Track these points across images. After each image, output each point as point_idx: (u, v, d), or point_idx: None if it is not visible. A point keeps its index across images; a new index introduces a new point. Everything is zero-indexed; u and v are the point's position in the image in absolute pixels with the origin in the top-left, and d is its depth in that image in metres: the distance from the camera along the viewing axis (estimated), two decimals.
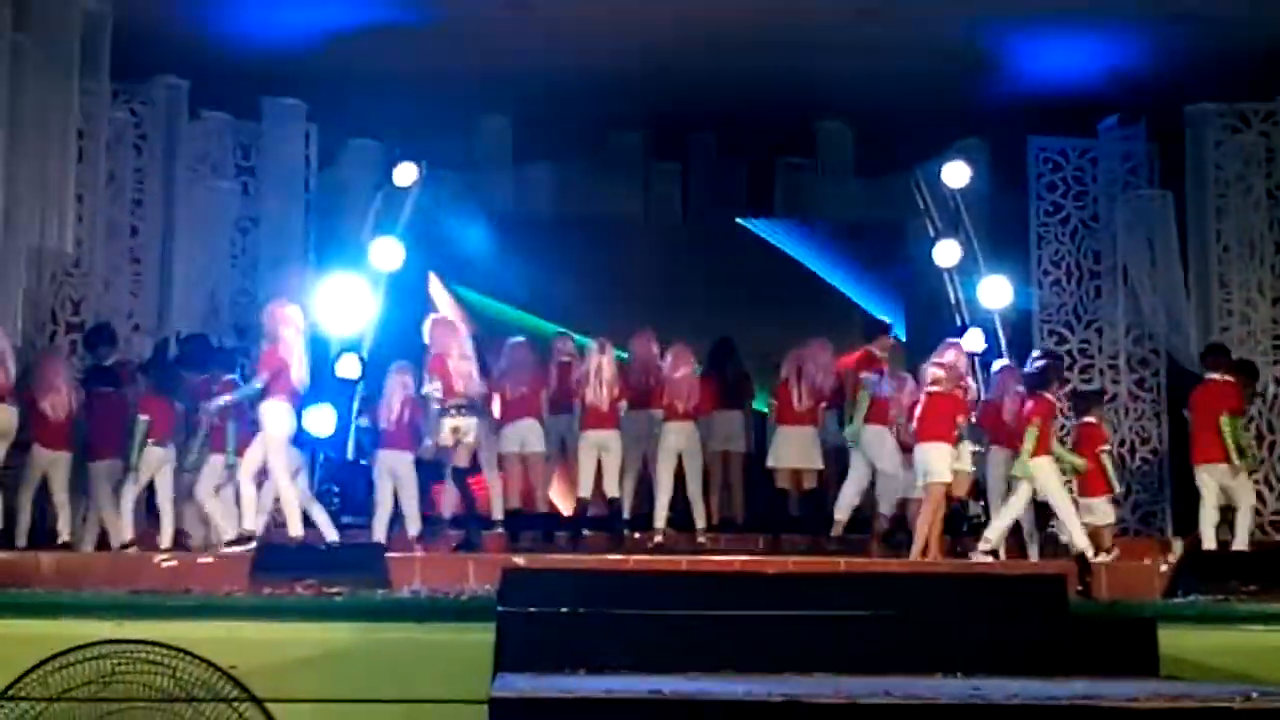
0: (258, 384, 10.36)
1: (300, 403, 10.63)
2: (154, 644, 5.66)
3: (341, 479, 12.95)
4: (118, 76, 11.60)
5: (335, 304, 13.03)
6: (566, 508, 12.39)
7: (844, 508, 11.39)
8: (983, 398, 12.04)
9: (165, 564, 9.20)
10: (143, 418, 10.62)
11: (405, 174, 13.65)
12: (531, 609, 6.62)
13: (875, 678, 5.86)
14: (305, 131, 13.45)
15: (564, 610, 6.62)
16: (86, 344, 11.57)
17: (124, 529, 10.55)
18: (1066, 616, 7.15)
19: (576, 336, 12.47)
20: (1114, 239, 13.49)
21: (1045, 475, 10.68)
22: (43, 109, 10.54)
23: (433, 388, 10.97)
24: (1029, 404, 10.91)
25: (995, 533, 10.71)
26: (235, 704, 5.66)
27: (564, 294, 14.32)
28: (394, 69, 12.89)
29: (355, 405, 12.18)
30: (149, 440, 10.61)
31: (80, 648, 5.70)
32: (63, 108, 10.67)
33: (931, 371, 11.06)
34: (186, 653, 5.59)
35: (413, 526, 11.23)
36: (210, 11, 12.04)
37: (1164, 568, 9.58)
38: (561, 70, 12.96)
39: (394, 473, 11.23)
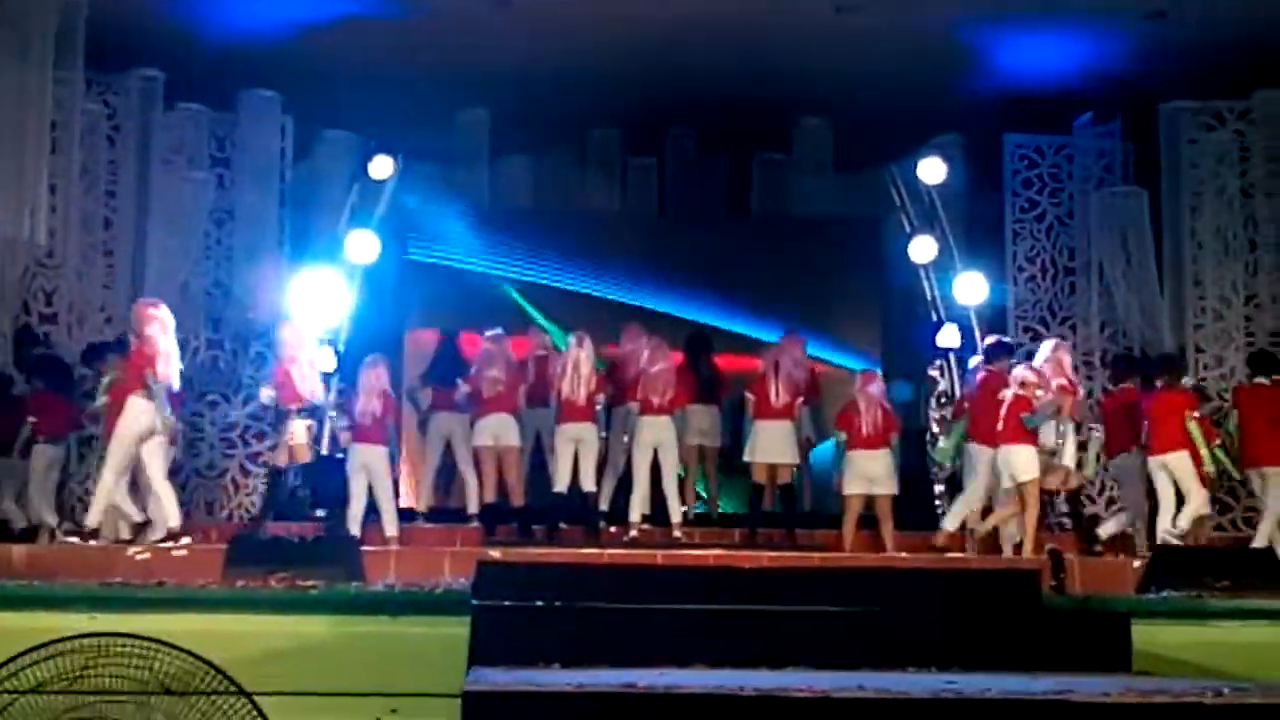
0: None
1: (172, 399, 10.57)
2: (136, 636, 5.63)
3: (315, 471, 12.90)
4: (92, 68, 11.57)
5: (310, 297, 13.00)
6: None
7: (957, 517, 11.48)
8: (959, 393, 12.12)
9: (138, 556, 9.16)
10: (31, 418, 10.87)
11: (381, 167, 13.59)
12: (506, 602, 6.61)
13: (850, 672, 5.87)
14: (281, 124, 13.37)
15: (539, 604, 6.62)
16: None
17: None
18: (1040, 611, 7.18)
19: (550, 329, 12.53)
20: (1089, 236, 13.53)
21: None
22: (16, 100, 10.52)
23: (269, 394, 10.91)
24: (1167, 399, 11.19)
25: (1187, 519, 10.94)
26: (221, 697, 5.64)
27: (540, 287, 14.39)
28: (371, 62, 12.87)
29: (331, 397, 12.11)
30: (39, 438, 10.73)
31: (64, 639, 5.66)
32: (36, 99, 10.63)
33: (1023, 375, 11.18)
34: (172, 646, 5.55)
35: (389, 524, 11.24)
36: (186, 3, 11.98)
37: (1137, 563, 9.61)
38: (539, 64, 12.96)
39: (369, 467, 11.22)
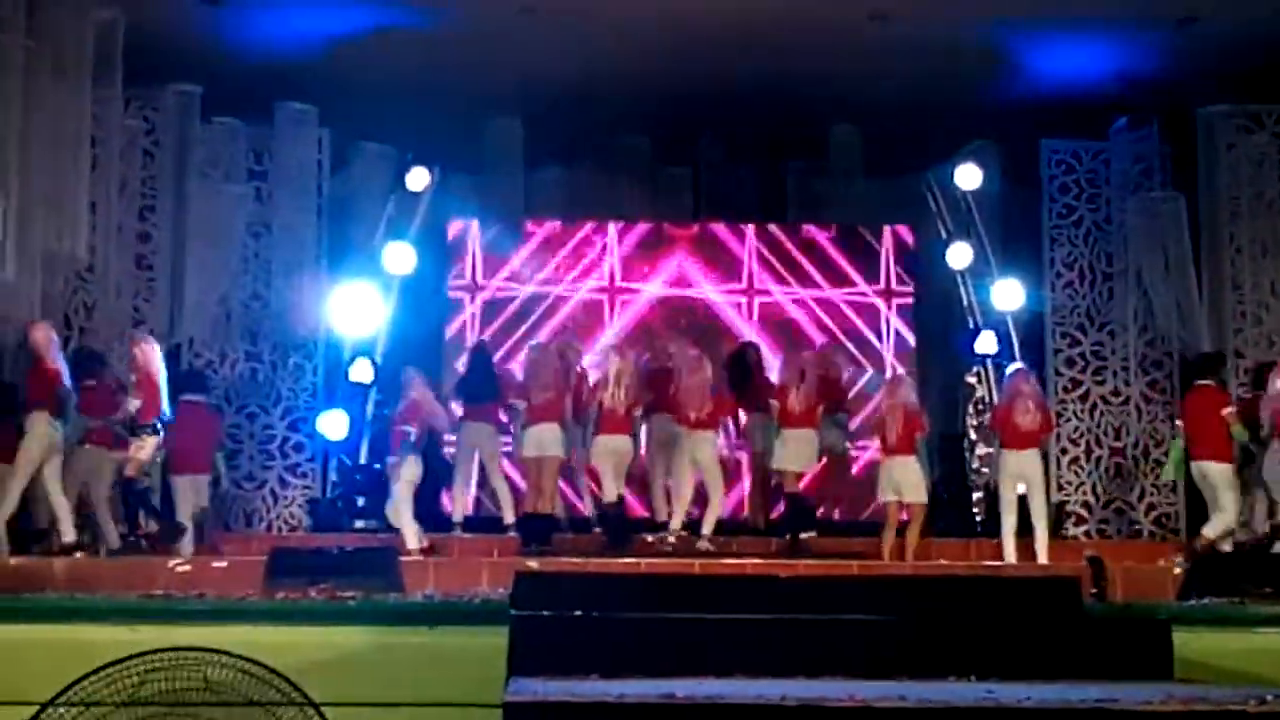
0: None
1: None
2: (208, 650, 5.72)
3: (356, 483, 13.00)
4: (130, 83, 11.66)
5: (348, 308, 13.08)
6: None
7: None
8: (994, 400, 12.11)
9: (179, 568, 9.22)
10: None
11: (418, 179, 13.69)
12: (545, 613, 6.61)
13: (888, 681, 5.85)
14: (317, 136, 13.49)
15: (577, 614, 6.61)
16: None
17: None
18: (1081, 619, 7.14)
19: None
20: (1126, 240, 13.48)
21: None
22: (56, 117, 10.60)
23: (135, 404, 10.73)
24: (1203, 398, 11.22)
25: (1214, 530, 10.98)
26: (304, 708, 5.72)
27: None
28: (405, 73, 12.93)
29: (369, 409, 12.21)
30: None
31: (147, 653, 5.73)
32: (76, 115, 10.73)
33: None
34: (246, 658, 5.64)
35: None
36: (222, 18, 12.08)
37: (1178, 570, 9.55)
38: (571, 73, 12.99)
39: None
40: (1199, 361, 12.04)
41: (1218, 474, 11.09)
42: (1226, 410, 11.16)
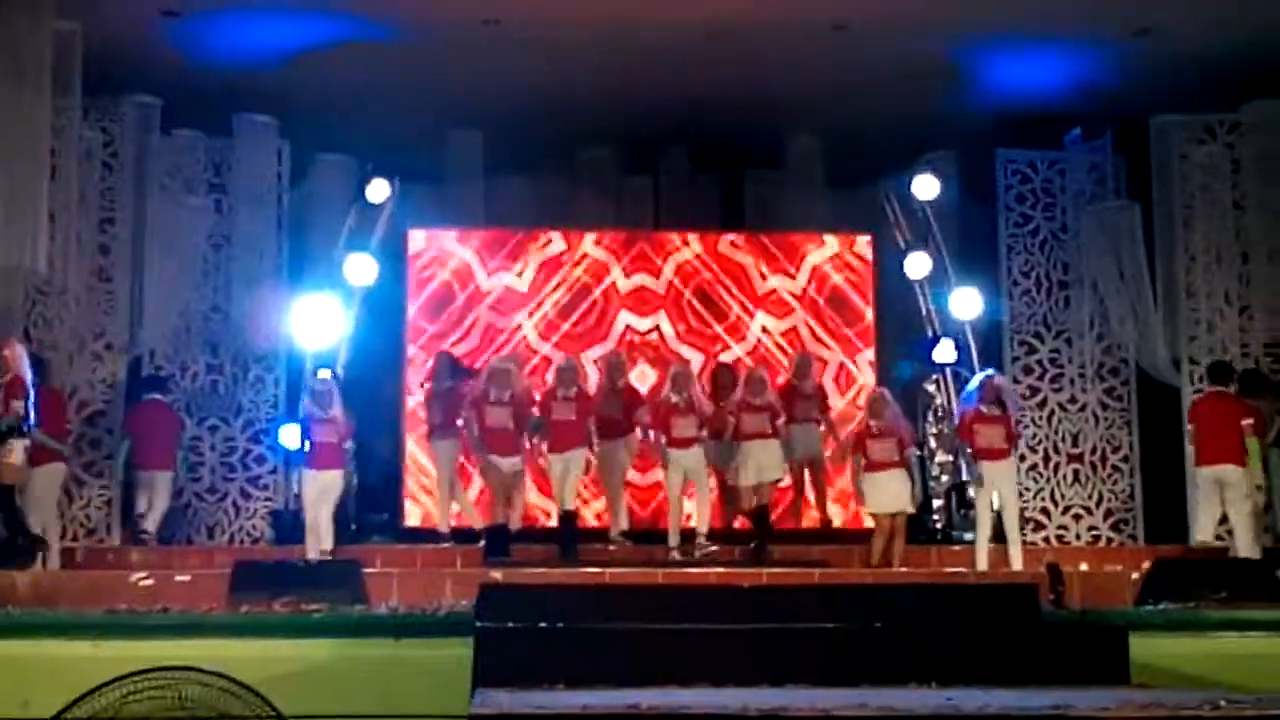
0: None
1: None
2: (183, 668, 5.75)
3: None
4: (89, 94, 11.60)
5: (309, 320, 13.07)
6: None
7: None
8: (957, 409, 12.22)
9: (142, 582, 9.20)
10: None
11: (378, 190, 13.69)
12: (509, 624, 6.64)
13: (850, 689, 5.91)
14: (277, 148, 13.46)
15: (541, 625, 6.65)
16: None
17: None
18: (1038, 625, 7.21)
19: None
20: (1082, 249, 13.60)
21: None
22: (14, 128, 10.55)
23: (18, 409, 10.53)
24: (1216, 406, 11.66)
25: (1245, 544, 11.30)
26: None
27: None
28: (365, 84, 12.93)
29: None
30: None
31: (126, 676, 5.75)
32: (34, 127, 10.66)
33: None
34: (220, 675, 5.68)
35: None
36: (181, 29, 12.03)
37: (1135, 575, 9.65)
38: (532, 84, 13.02)
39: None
40: (1212, 369, 12.24)
41: (1233, 477, 11.38)
42: (1246, 422, 11.50)
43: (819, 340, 14.33)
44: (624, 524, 12.33)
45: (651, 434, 12.07)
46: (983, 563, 11.47)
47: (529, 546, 11.91)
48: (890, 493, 11.63)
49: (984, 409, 11.64)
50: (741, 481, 11.93)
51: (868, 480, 11.76)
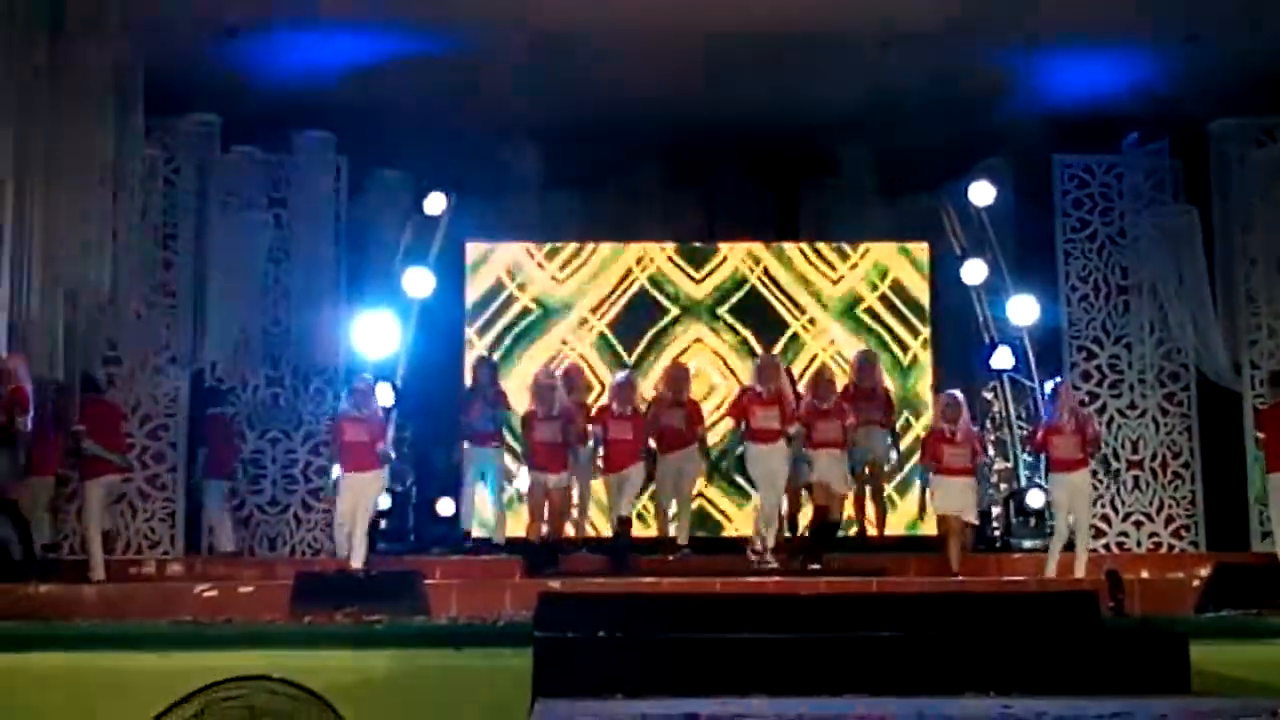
0: None
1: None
2: (254, 677, 5.84)
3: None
4: (150, 114, 11.74)
5: (368, 333, 13.19)
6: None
7: None
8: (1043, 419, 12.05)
9: (206, 594, 9.31)
10: None
11: (435, 204, 13.80)
12: (568, 634, 6.68)
13: (908, 698, 5.91)
14: (335, 164, 13.58)
15: (600, 634, 6.68)
16: None
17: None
18: (1098, 633, 7.19)
19: None
20: (1140, 254, 13.51)
21: None
22: (78, 148, 10.70)
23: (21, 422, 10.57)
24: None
25: None
26: None
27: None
28: (421, 99, 13.03)
29: (390, 432, 12.29)
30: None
31: (203, 690, 5.85)
32: (97, 147, 10.82)
33: None
34: (291, 683, 5.76)
35: None
36: (239, 48, 12.17)
37: (1196, 582, 9.59)
38: (587, 97, 13.08)
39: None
40: (1276, 378, 12.06)
41: None
42: None
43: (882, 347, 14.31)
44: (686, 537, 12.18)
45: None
46: (1052, 569, 11.38)
47: (585, 555, 11.95)
48: (958, 498, 11.54)
49: (1059, 420, 11.60)
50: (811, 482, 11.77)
51: (937, 483, 11.69)
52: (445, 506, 13.03)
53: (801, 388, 12.15)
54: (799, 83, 12.89)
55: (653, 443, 11.95)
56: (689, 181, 15.18)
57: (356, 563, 11.16)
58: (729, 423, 12.20)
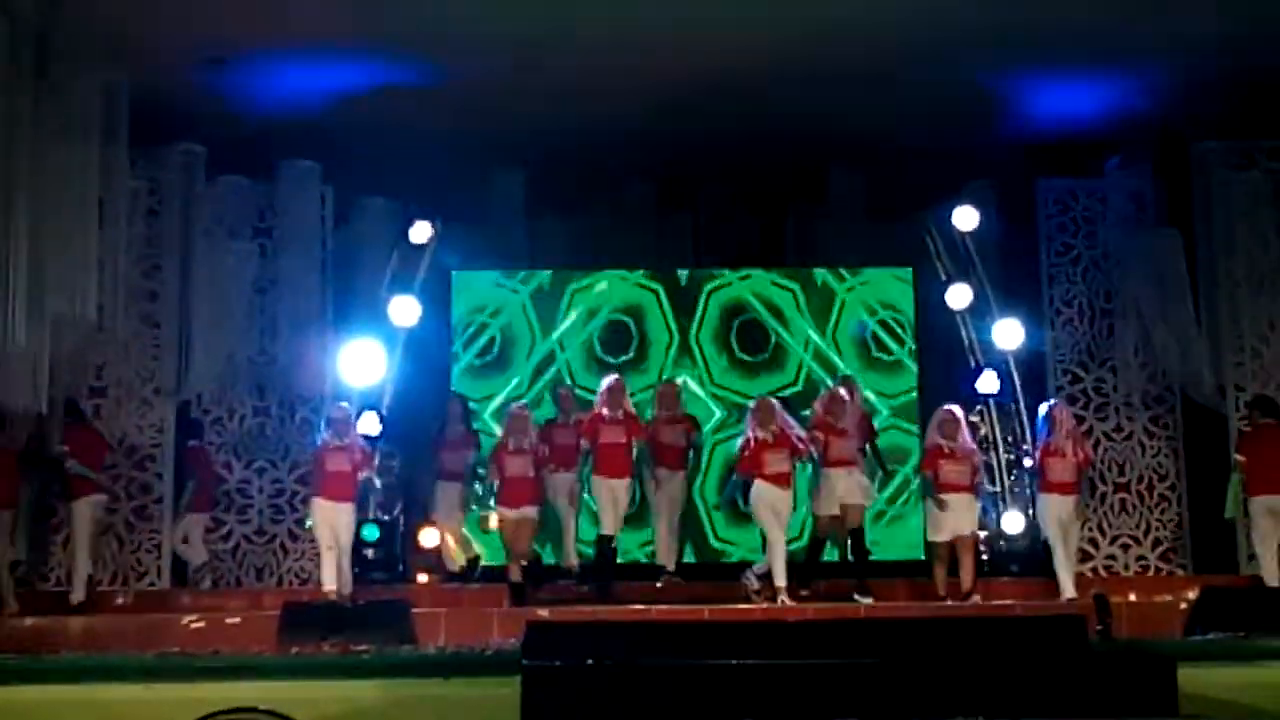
0: None
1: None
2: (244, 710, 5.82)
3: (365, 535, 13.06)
4: (136, 143, 11.74)
5: (354, 361, 13.18)
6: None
7: None
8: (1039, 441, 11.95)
9: (193, 625, 9.28)
10: None
11: (420, 232, 13.82)
12: (556, 662, 6.67)
13: None
14: (320, 192, 13.59)
15: (589, 662, 6.67)
16: None
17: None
18: (1086, 656, 7.19)
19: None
20: (1124, 277, 13.56)
21: None
22: (64, 177, 10.66)
23: None
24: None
25: None
26: None
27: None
28: (405, 127, 13.06)
29: (376, 461, 12.26)
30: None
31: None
32: (83, 176, 10.79)
33: None
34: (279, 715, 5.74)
35: None
36: (225, 78, 12.19)
37: (1183, 605, 9.60)
38: (572, 124, 13.11)
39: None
40: (1262, 402, 12.15)
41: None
42: None
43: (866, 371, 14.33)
44: (673, 562, 12.17)
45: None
46: (1069, 588, 11.30)
47: (569, 585, 11.92)
48: (957, 517, 11.43)
49: (1058, 442, 11.55)
50: (822, 511, 11.61)
51: (936, 501, 11.55)
52: (429, 537, 13.01)
53: (816, 406, 12.02)
54: (785, 109, 12.93)
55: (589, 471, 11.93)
56: (676, 207, 15.22)
57: (344, 587, 11.14)
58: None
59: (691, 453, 12.40)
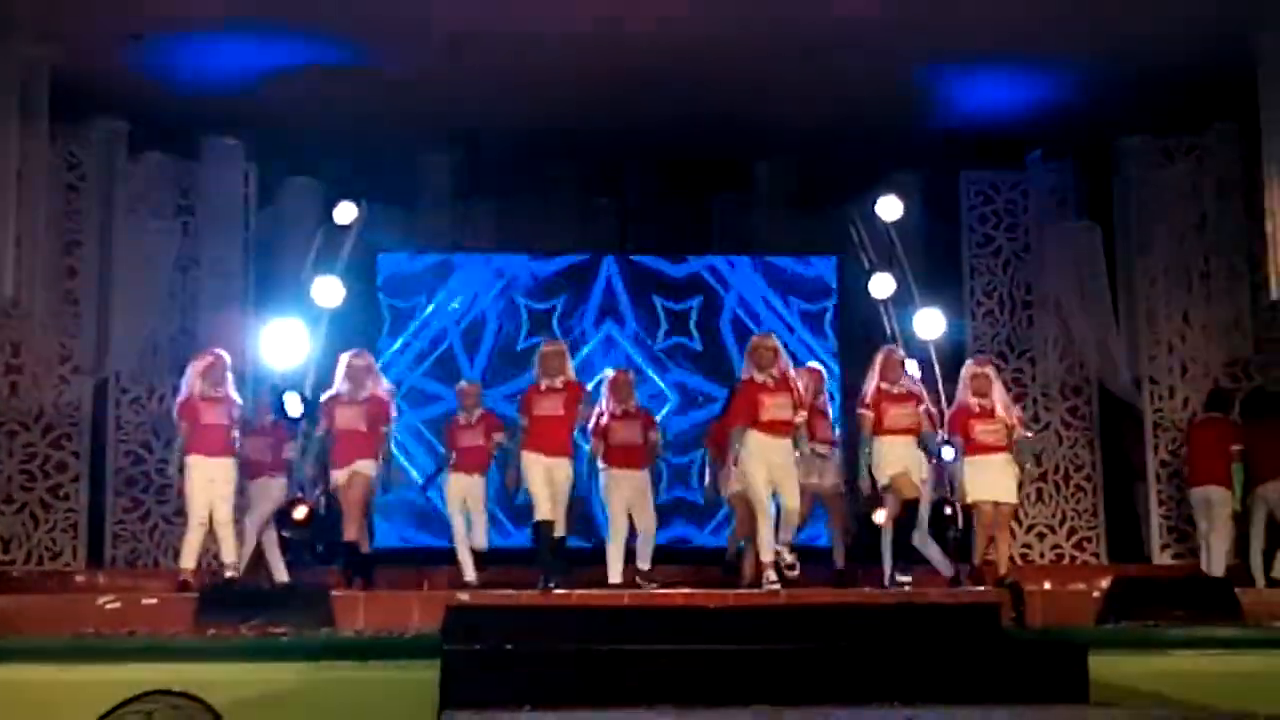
0: None
1: None
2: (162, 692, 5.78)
3: (285, 516, 12.94)
4: (56, 119, 11.62)
5: (277, 342, 13.07)
6: None
7: None
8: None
9: (109, 606, 9.19)
10: None
11: (345, 212, 13.70)
12: (476, 646, 6.69)
13: (814, 708, 5.98)
14: (244, 171, 13.46)
15: (508, 646, 6.69)
16: None
17: None
18: (1000, 644, 7.30)
19: None
20: (1044, 270, 13.72)
21: None
22: None
23: None
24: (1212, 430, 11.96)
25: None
26: None
27: None
28: (332, 107, 12.94)
29: (300, 443, 12.16)
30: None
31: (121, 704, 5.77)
32: (2, 151, 10.67)
33: None
34: (192, 697, 5.70)
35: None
36: (148, 53, 12.02)
37: (1096, 594, 9.74)
38: (500, 106, 13.06)
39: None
40: (1212, 396, 12.57)
41: (1220, 499, 11.77)
42: (1235, 448, 11.77)
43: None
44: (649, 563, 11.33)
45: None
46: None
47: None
48: (995, 479, 10.64)
49: (974, 402, 10.84)
50: (880, 480, 10.62)
51: (969, 465, 10.69)
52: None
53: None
54: (712, 95, 12.93)
55: (600, 462, 11.26)
56: (603, 192, 15.20)
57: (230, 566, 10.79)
58: None
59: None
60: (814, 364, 12.38)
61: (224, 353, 11.19)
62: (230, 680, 6.61)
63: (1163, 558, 13.02)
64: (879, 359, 11.07)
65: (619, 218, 15.28)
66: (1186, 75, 12.34)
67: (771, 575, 9.87)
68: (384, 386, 11.31)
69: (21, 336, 12.19)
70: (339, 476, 10.98)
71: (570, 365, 10.93)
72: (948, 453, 11.17)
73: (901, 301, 14.02)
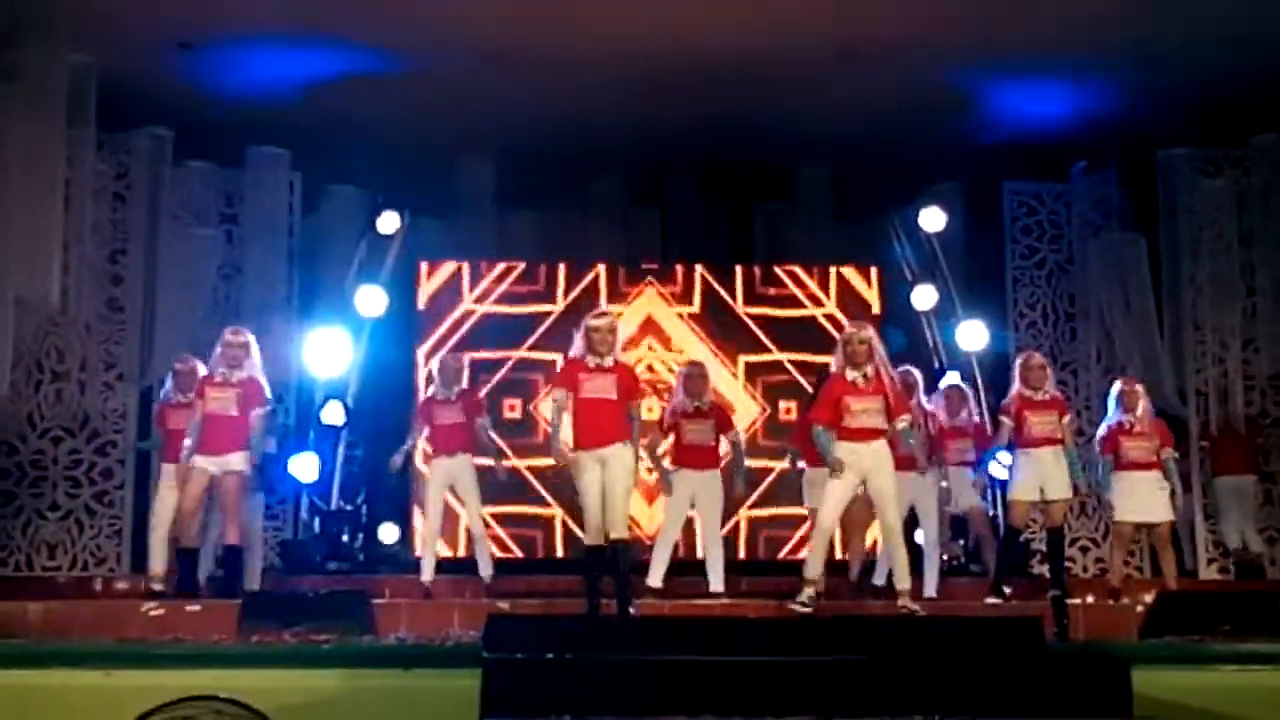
0: None
1: None
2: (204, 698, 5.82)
3: (328, 524, 13.04)
4: (103, 127, 11.72)
5: (319, 351, 13.15)
6: None
7: None
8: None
9: (153, 612, 9.24)
10: None
11: (388, 222, 13.78)
12: (517, 655, 6.68)
13: None
14: (289, 179, 13.58)
15: (549, 656, 6.69)
16: None
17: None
18: (1042, 658, 7.24)
19: None
20: (1088, 281, 13.66)
21: None
22: (29, 159, 10.63)
23: None
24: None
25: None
26: None
27: None
28: (375, 117, 13.03)
29: (340, 451, 12.25)
30: None
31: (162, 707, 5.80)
32: (49, 158, 10.75)
33: None
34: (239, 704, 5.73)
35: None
36: (194, 62, 12.14)
37: (1140, 608, 9.67)
38: (541, 115, 13.11)
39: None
40: None
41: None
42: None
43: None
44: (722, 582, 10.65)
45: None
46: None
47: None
48: (1146, 498, 10.45)
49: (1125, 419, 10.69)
50: (1022, 496, 10.27)
51: (1118, 481, 10.53)
52: (388, 533, 12.98)
53: (931, 405, 11.02)
54: (754, 105, 12.95)
55: (668, 462, 10.72)
56: (644, 201, 15.23)
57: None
58: None
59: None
60: (956, 381, 11.88)
61: (196, 359, 10.71)
62: (273, 687, 6.62)
63: (1209, 572, 12.91)
64: (1019, 363, 10.59)
65: (660, 226, 15.29)
66: (1231, 87, 12.30)
67: (804, 597, 9.13)
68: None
69: (67, 343, 12.29)
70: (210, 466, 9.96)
71: (619, 343, 9.13)
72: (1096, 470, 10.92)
73: (944, 312, 13.98)
